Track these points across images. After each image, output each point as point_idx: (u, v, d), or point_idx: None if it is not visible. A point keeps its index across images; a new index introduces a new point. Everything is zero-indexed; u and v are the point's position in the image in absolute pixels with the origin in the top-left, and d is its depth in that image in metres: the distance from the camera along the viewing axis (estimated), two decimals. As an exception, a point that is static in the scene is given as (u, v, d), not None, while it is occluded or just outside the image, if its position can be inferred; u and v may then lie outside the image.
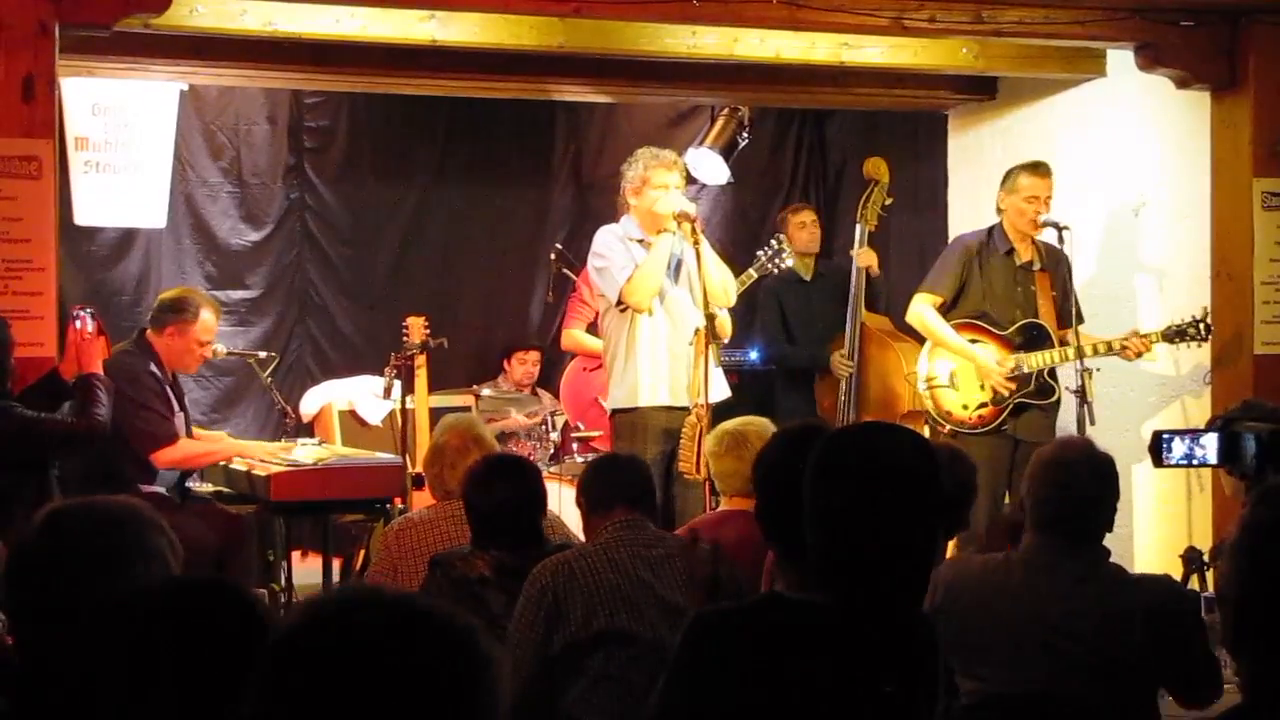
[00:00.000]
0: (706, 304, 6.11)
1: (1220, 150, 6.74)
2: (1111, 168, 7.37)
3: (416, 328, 7.24)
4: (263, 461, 6.41)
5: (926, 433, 6.32)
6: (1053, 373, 6.57)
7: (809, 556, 2.58)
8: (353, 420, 8.24)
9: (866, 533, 2.51)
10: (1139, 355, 6.55)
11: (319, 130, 9.06)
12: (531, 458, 6.99)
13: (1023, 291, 6.64)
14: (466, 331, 8.89)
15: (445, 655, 1.55)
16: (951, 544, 5.19)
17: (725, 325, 6.38)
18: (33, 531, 2.47)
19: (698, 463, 5.72)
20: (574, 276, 8.12)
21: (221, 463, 6.67)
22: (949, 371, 6.67)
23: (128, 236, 8.54)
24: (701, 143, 8.62)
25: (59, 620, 2.32)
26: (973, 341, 6.62)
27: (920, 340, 6.84)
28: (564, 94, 8.01)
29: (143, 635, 1.98)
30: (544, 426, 8.14)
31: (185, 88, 8.06)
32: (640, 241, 6.31)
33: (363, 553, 6.97)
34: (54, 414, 5.31)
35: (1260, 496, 2.36)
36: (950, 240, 7.27)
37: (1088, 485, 3.66)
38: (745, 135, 8.33)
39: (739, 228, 9.72)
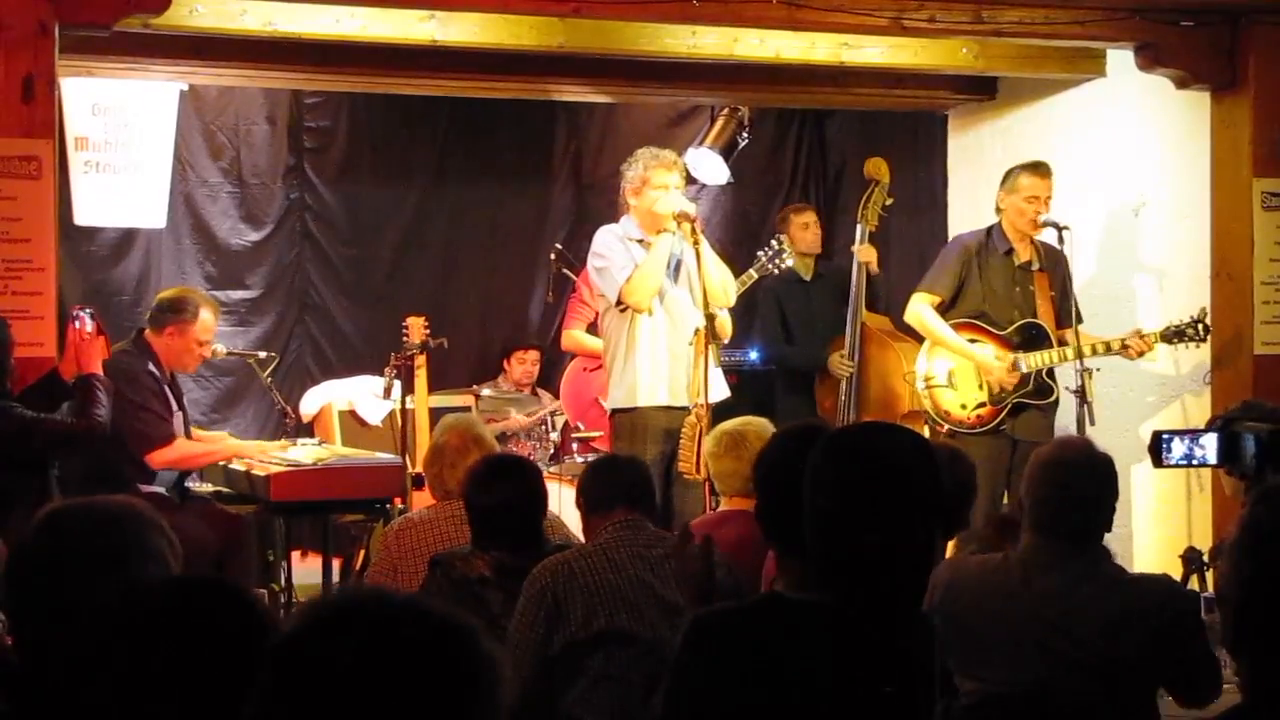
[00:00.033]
0: (706, 304, 6.11)
1: (1220, 150, 6.74)
2: (1111, 168, 7.37)
3: (416, 328, 7.24)
4: (261, 461, 6.42)
5: (926, 433, 6.31)
6: (1051, 373, 6.58)
7: (809, 556, 2.59)
8: (353, 420, 8.24)
9: (866, 533, 2.51)
10: (1141, 355, 6.55)
11: (319, 130, 9.07)
12: (531, 458, 6.99)
13: (1021, 291, 6.65)
14: (466, 331, 8.90)
15: (447, 657, 1.55)
16: (951, 544, 5.20)
17: (725, 325, 6.38)
18: (33, 531, 2.47)
19: (697, 463, 5.72)
20: (574, 276, 8.12)
21: (221, 462, 6.67)
22: (947, 371, 6.67)
23: (128, 237, 8.55)
24: (701, 143, 8.62)
25: (59, 620, 2.32)
26: (971, 341, 6.62)
27: (920, 340, 6.84)
28: (564, 94, 8.01)
29: (143, 635, 1.98)
30: (544, 426, 8.14)
31: (185, 88, 8.06)
32: (640, 241, 6.30)
33: (363, 553, 6.97)
34: (53, 414, 5.31)
35: (1260, 496, 2.36)
36: (949, 240, 7.27)
37: (1086, 485, 3.66)
38: (745, 135, 8.33)
39: (739, 228, 9.72)
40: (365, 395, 8.21)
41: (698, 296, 6.19)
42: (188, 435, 6.48)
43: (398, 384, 7.16)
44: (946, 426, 6.61)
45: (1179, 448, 3.81)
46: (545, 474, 4.74)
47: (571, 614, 3.93)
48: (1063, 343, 6.53)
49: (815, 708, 2.52)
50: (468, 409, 7.81)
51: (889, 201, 7.19)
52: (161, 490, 6.17)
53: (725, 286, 6.30)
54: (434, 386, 7.49)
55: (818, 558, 2.57)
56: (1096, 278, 7.31)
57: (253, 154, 8.90)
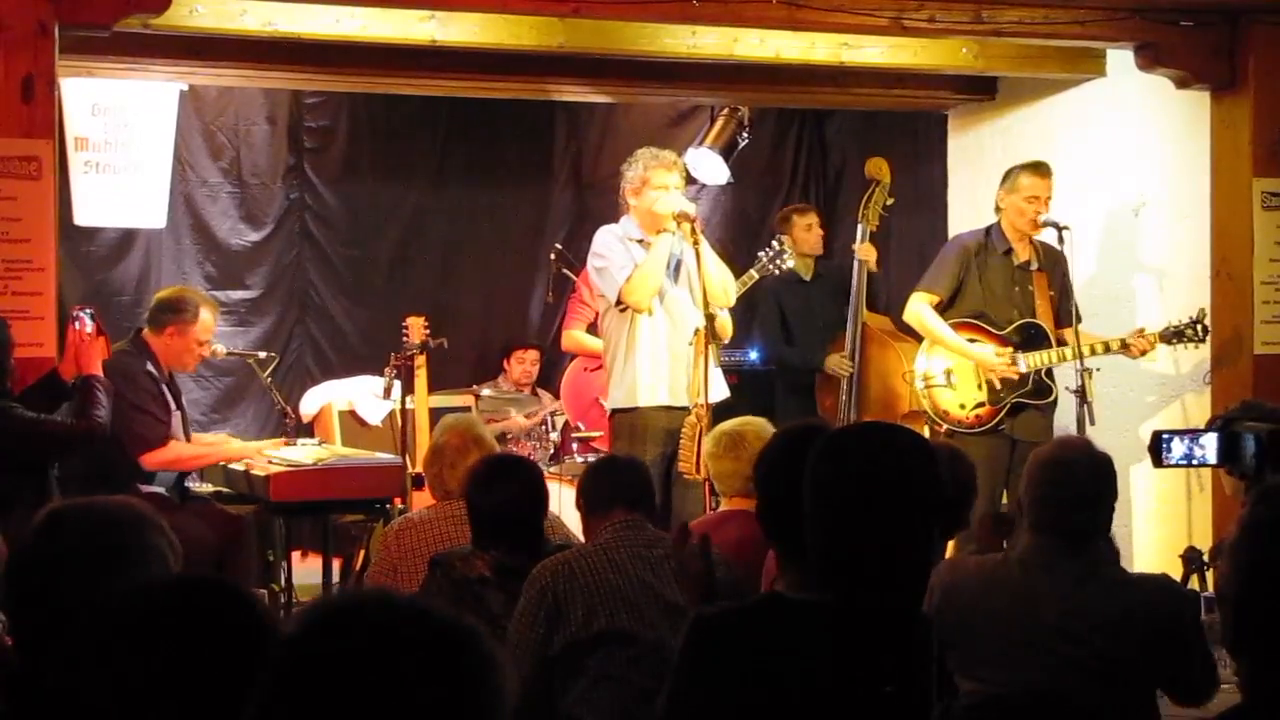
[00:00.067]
0: (706, 304, 6.11)
1: (1220, 150, 6.74)
2: (1111, 168, 7.37)
3: (416, 328, 7.24)
4: (260, 461, 6.42)
5: (927, 433, 6.32)
6: (1050, 373, 6.58)
7: (809, 556, 2.59)
8: (353, 420, 8.24)
9: (866, 533, 2.51)
10: (1143, 353, 6.56)
11: (319, 130, 9.06)
12: (531, 458, 6.99)
13: (1020, 291, 6.65)
14: (466, 331, 8.89)
15: (450, 658, 1.55)
16: (950, 544, 5.20)
17: (726, 326, 6.38)
18: (33, 532, 2.47)
19: (697, 463, 5.72)
20: (573, 276, 8.12)
21: (220, 462, 6.68)
22: (945, 370, 6.67)
23: (127, 237, 8.55)
24: (701, 143, 8.62)
25: (59, 620, 2.32)
26: (970, 341, 6.62)
27: (920, 340, 6.84)
28: (564, 94, 8.01)
29: (143, 635, 1.98)
30: (544, 427, 8.14)
31: (185, 88, 8.06)
32: (640, 242, 6.30)
33: (363, 553, 6.97)
34: (53, 416, 5.31)
35: (1260, 496, 2.37)
36: (949, 240, 7.27)
37: (1086, 485, 3.66)
38: (745, 135, 8.33)
39: (739, 228, 9.72)
40: (365, 395, 8.21)
41: (698, 296, 6.18)
42: (186, 435, 6.48)
43: (398, 384, 7.16)
44: (945, 426, 6.62)
45: (1179, 448, 3.81)
46: (545, 474, 4.74)
47: (572, 614, 3.93)
48: (1062, 342, 6.53)
49: (815, 707, 2.52)
50: (468, 409, 7.81)
51: (890, 201, 7.19)
52: (161, 490, 6.17)
53: (725, 286, 6.30)
54: (434, 386, 7.49)
55: (818, 558, 2.57)
56: (1096, 278, 7.31)
57: (253, 154, 8.90)
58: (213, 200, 8.84)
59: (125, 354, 6.16)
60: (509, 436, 8.18)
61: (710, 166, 8.38)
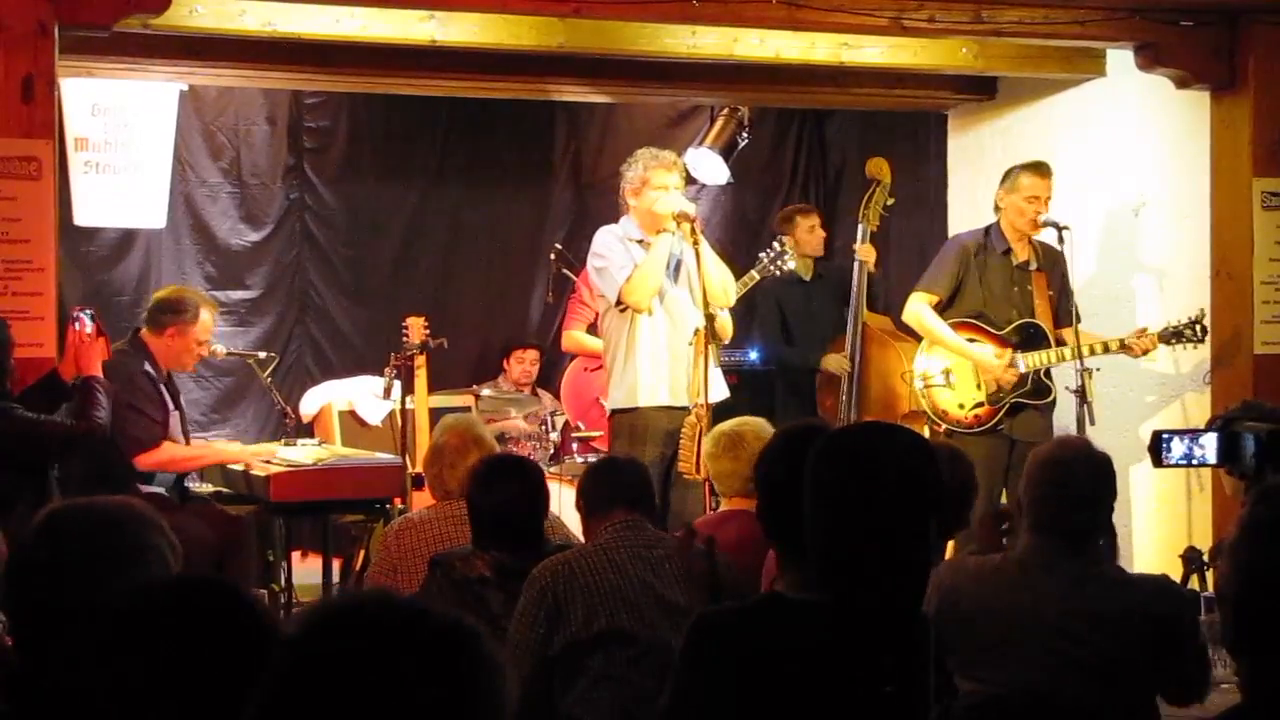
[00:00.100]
0: (706, 304, 6.11)
1: (1220, 150, 6.74)
2: (1111, 168, 7.37)
3: (416, 328, 7.25)
4: (255, 464, 6.42)
5: (926, 433, 6.32)
6: (1048, 373, 6.58)
7: (809, 556, 2.59)
8: (353, 420, 8.24)
9: (866, 533, 2.51)
10: (1145, 353, 6.56)
11: (319, 130, 9.06)
12: (531, 458, 6.99)
13: (1019, 291, 6.65)
14: (466, 331, 8.89)
15: (451, 660, 1.55)
16: (950, 544, 5.20)
17: (726, 326, 6.38)
18: (33, 532, 2.47)
19: (697, 463, 5.72)
20: (574, 277, 8.12)
21: (214, 464, 6.69)
22: (943, 370, 6.67)
23: (127, 237, 8.55)
24: (701, 143, 8.62)
25: (59, 620, 2.32)
26: (969, 341, 6.63)
27: (920, 340, 6.84)
28: (564, 94, 8.01)
29: (143, 635, 1.98)
30: (544, 427, 8.14)
31: (185, 88, 8.06)
32: (640, 242, 6.30)
33: (363, 553, 6.97)
34: (53, 416, 5.31)
35: (1259, 496, 2.37)
36: (948, 240, 7.27)
37: (1085, 485, 3.66)
38: (745, 135, 8.33)
39: (739, 228, 9.72)
40: (365, 395, 8.22)
41: (698, 296, 6.18)
42: (185, 435, 6.49)
43: (398, 384, 7.16)
44: (944, 426, 6.62)
45: (1179, 447, 3.81)
46: (545, 474, 4.74)
47: (572, 614, 3.93)
48: (1061, 342, 6.53)
49: (816, 707, 2.52)
50: (468, 409, 7.80)
51: (890, 201, 7.19)
52: (161, 490, 6.17)
53: (725, 286, 6.30)
54: (434, 386, 7.49)
55: (818, 558, 2.57)
56: (1096, 277, 7.31)
57: (252, 154, 8.90)
58: (213, 200, 8.84)
59: (123, 354, 6.16)
60: (509, 437, 8.18)
61: (710, 166, 8.38)
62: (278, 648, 1.60)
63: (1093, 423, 6.26)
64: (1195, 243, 6.88)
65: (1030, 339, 6.58)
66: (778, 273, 7.55)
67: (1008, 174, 6.69)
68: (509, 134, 9.31)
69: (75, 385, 5.37)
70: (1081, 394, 6.31)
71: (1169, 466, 3.89)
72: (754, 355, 8.32)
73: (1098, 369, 6.54)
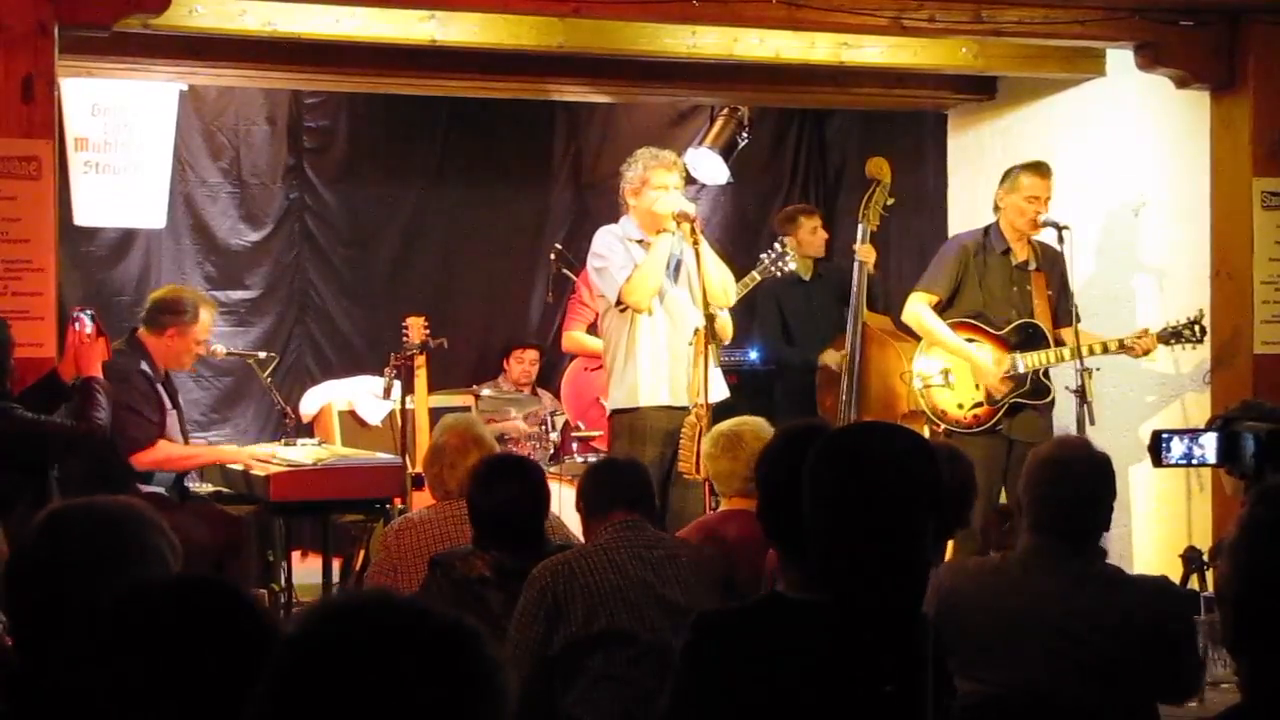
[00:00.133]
0: (706, 304, 6.11)
1: (1220, 150, 6.74)
2: (1111, 168, 7.37)
3: (416, 328, 7.25)
4: (252, 464, 6.42)
5: (926, 433, 6.32)
6: (1047, 373, 6.57)
7: (809, 556, 2.59)
8: (352, 420, 8.24)
9: (866, 533, 2.51)
10: (1146, 353, 6.56)
11: (319, 130, 9.07)
12: (531, 458, 6.98)
13: (1018, 291, 6.65)
14: (466, 331, 8.89)
15: (452, 660, 1.55)
16: (950, 544, 5.20)
17: (726, 327, 6.38)
18: (34, 532, 2.47)
19: (697, 463, 5.72)
20: (574, 277, 8.12)
21: (210, 464, 6.69)
22: (941, 370, 6.67)
23: (127, 237, 8.55)
24: (701, 143, 8.61)
25: (59, 620, 2.32)
26: (968, 341, 6.63)
27: (920, 340, 6.84)
28: (564, 94, 8.01)
29: (143, 635, 1.98)
30: (544, 427, 8.14)
31: (185, 88, 8.06)
32: (640, 242, 6.30)
33: (362, 553, 6.98)
34: (53, 417, 5.31)
35: (1259, 496, 2.36)
36: (947, 240, 7.27)
37: (1084, 484, 3.66)
38: (745, 135, 8.33)
39: (738, 228, 9.72)
40: (365, 395, 8.22)
41: (698, 296, 6.18)
42: (183, 434, 6.49)
43: (397, 384, 7.16)
44: (943, 426, 6.62)
45: (1178, 447, 3.81)
46: (546, 474, 4.74)
47: (572, 614, 3.93)
48: (1060, 343, 6.53)
49: (816, 707, 2.52)
50: (468, 409, 7.81)
51: (890, 201, 7.19)
52: (160, 490, 6.17)
53: (725, 286, 6.30)
54: (434, 386, 7.50)
55: (818, 558, 2.57)
56: (1096, 278, 7.31)
57: (252, 154, 8.90)
58: (212, 200, 8.84)
59: (119, 354, 6.15)
60: (509, 437, 8.18)
61: (710, 166, 8.38)
62: (278, 647, 1.60)
63: (1093, 423, 6.26)
64: (1195, 243, 6.88)
65: (1029, 339, 6.57)
66: (779, 274, 7.56)
67: (1007, 174, 6.69)
68: (509, 134, 9.31)
69: (75, 386, 5.37)
70: (1081, 394, 6.31)
71: (1169, 466, 3.89)
72: (754, 355, 8.32)
73: (1097, 369, 6.54)
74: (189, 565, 2.51)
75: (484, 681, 1.56)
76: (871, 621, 2.52)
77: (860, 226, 7.18)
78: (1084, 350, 6.38)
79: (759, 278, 7.52)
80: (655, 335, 6.23)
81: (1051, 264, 6.65)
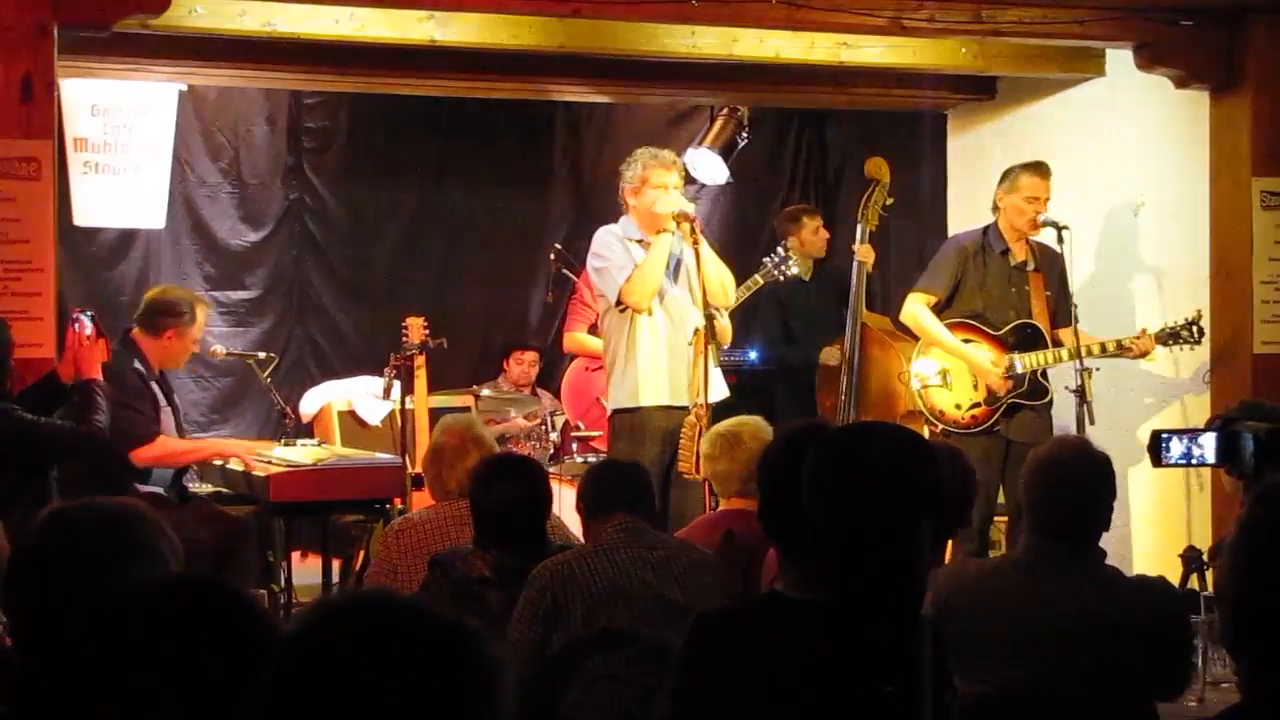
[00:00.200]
0: (706, 304, 6.11)
1: (1219, 150, 6.74)
2: (1111, 168, 7.37)
3: (416, 328, 7.25)
4: (256, 461, 6.42)
5: (926, 433, 6.32)
6: (1045, 373, 6.57)
7: (809, 556, 2.59)
8: (352, 420, 8.24)
9: (866, 533, 2.51)
10: (1144, 354, 6.56)
11: (318, 131, 9.06)
12: (531, 457, 6.99)
13: (1017, 292, 6.65)
14: (466, 331, 8.89)
15: (451, 659, 1.56)
16: (950, 544, 5.20)
17: (726, 332, 6.38)
18: (34, 533, 2.47)
19: (697, 463, 5.72)
20: (574, 277, 8.12)
21: (218, 462, 6.69)
22: (939, 370, 6.67)
23: (127, 237, 8.55)
24: (700, 143, 8.62)
25: (60, 621, 2.32)
26: (966, 341, 6.63)
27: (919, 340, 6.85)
28: (564, 94, 8.02)
29: (143, 635, 1.98)
30: (544, 427, 8.14)
31: (184, 88, 8.06)
32: (639, 242, 6.30)
33: (362, 553, 6.97)
34: (53, 418, 5.31)
35: (1259, 496, 2.36)
36: (946, 240, 7.27)
37: (1084, 484, 3.66)
38: (744, 135, 8.33)
39: (738, 228, 9.71)
40: (365, 395, 8.22)
41: (697, 296, 6.19)
42: (179, 431, 6.49)
43: (397, 384, 7.16)
44: (941, 426, 6.62)
45: (1178, 447, 3.81)
46: (548, 474, 4.74)
47: (571, 614, 3.93)
48: (1058, 343, 6.53)
49: (815, 707, 2.52)
50: (467, 409, 7.81)
51: (889, 201, 7.19)
52: (159, 490, 6.17)
53: (725, 286, 6.30)
54: (434, 387, 7.50)
55: (818, 558, 2.57)
56: (1096, 278, 7.31)
57: (252, 154, 8.90)
58: (212, 201, 8.84)
59: (115, 354, 6.15)
60: (509, 436, 8.18)
61: (709, 166, 8.38)
62: (277, 647, 1.60)
63: (1092, 422, 6.26)
64: (1195, 243, 6.88)
65: (1027, 339, 6.57)
66: (781, 278, 7.54)
67: (1007, 174, 6.69)
68: (509, 134, 9.30)
69: (74, 388, 5.37)
70: (1081, 394, 6.31)
71: (1168, 466, 3.89)
72: (754, 355, 8.31)
73: (1097, 369, 6.54)
74: (189, 565, 2.51)
75: (483, 681, 1.57)
76: (871, 621, 2.52)
77: (859, 227, 7.18)
78: (1082, 351, 6.38)
79: (761, 281, 7.51)
80: (655, 335, 6.23)
81: (1050, 264, 6.65)
